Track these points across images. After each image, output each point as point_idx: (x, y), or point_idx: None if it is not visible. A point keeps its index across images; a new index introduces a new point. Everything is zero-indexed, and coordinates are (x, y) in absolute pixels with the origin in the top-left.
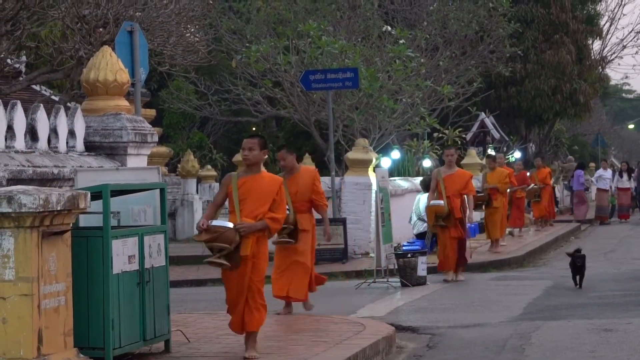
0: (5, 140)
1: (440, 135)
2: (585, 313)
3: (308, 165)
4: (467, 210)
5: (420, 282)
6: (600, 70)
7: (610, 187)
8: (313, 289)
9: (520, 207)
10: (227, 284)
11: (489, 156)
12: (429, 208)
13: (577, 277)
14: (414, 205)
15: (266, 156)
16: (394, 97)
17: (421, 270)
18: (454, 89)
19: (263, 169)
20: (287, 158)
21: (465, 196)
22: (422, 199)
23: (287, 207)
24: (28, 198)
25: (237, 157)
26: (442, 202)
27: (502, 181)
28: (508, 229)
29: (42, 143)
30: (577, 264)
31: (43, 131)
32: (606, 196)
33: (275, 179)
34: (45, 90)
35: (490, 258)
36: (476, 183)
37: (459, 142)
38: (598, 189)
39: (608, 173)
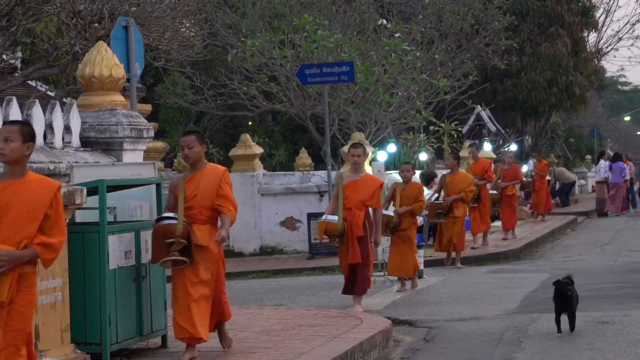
0: None
1: (437, 128)
2: (581, 305)
3: (304, 159)
4: (374, 226)
5: (418, 275)
6: (596, 62)
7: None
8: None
9: (512, 205)
10: None
11: (453, 155)
12: (320, 223)
13: (566, 316)
14: None
15: (205, 149)
16: (390, 91)
17: (418, 264)
18: (450, 82)
19: (206, 161)
20: (194, 147)
21: (371, 209)
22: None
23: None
24: None
25: (234, 152)
26: (335, 218)
27: (466, 189)
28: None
29: (38, 139)
30: (567, 293)
31: (39, 127)
32: (604, 188)
33: (220, 169)
34: (40, 86)
35: (487, 251)
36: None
37: (455, 135)
38: (597, 182)
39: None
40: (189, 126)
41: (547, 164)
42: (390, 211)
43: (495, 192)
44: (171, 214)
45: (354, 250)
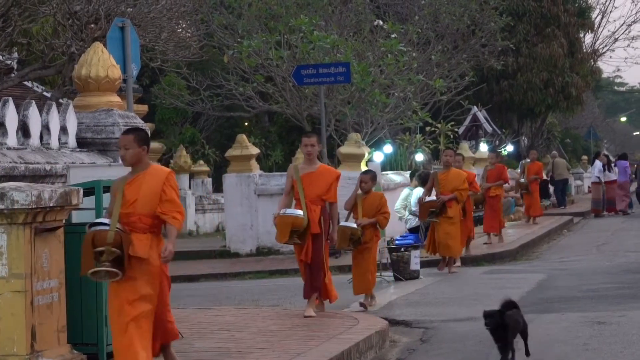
0: None
1: (433, 129)
2: (578, 306)
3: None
4: (331, 224)
5: (414, 276)
6: (592, 63)
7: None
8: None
9: (495, 207)
10: None
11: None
12: (280, 218)
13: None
14: (404, 200)
15: (146, 151)
16: (386, 92)
17: (414, 264)
18: (446, 82)
19: (152, 162)
20: (130, 148)
21: (328, 204)
22: (414, 193)
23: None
24: (20, 195)
25: (230, 152)
26: (300, 212)
27: (459, 187)
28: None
29: (34, 139)
30: (496, 324)
31: (35, 128)
32: (600, 189)
33: (164, 172)
34: (37, 87)
35: (484, 252)
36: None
37: (452, 136)
38: (593, 182)
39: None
40: (185, 127)
41: (541, 165)
42: (352, 222)
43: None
44: (106, 220)
45: (307, 248)
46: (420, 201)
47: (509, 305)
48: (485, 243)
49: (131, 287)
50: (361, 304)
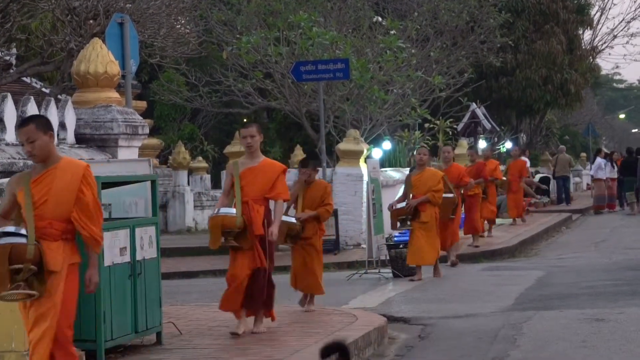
0: None
1: (432, 125)
2: (577, 303)
3: (299, 156)
4: (273, 225)
5: (412, 272)
6: (591, 60)
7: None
8: None
9: (474, 207)
10: None
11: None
12: (210, 219)
13: None
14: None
15: (54, 140)
16: (385, 88)
17: None
18: (445, 79)
19: (61, 154)
20: (35, 139)
21: (274, 202)
22: None
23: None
24: None
25: (229, 149)
26: (233, 210)
27: (433, 187)
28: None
29: None
30: None
31: None
32: (604, 185)
33: (80, 166)
34: (35, 83)
35: (482, 249)
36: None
37: (450, 133)
38: (596, 179)
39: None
40: (184, 123)
41: (524, 163)
42: (290, 216)
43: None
44: (22, 230)
45: (258, 252)
46: (389, 208)
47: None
48: (470, 245)
49: (37, 305)
50: (305, 310)
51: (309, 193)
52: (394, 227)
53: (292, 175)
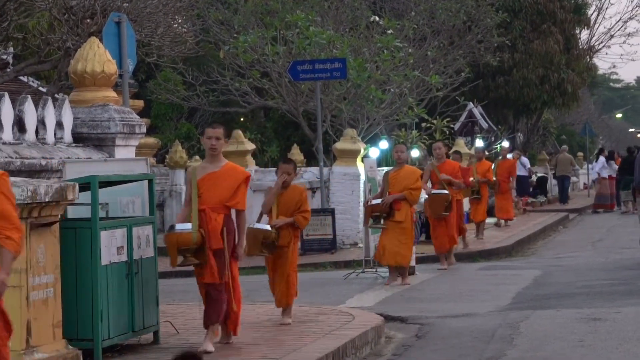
0: None
1: (429, 125)
2: (574, 302)
3: (296, 155)
4: (237, 235)
5: (409, 272)
6: (588, 59)
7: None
8: None
9: (457, 211)
10: None
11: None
12: (165, 237)
13: None
14: None
15: None
16: (382, 88)
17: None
18: (442, 79)
19: None
20: None
21: (235, 213)
22: None
23: None
24: (16, 190)
25: (225, 148)
26: (189, 226)
27: (410, 186)
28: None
29: (30, 134)
30: None
31: (31, 122)
32: (607, 184)
33: None
34: (32, 82)
35: (479, 248)
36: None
37: (447, 132)
38: (601, 178)
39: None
40: (181, 122)
41: (513, 162)
42: (264, 223)
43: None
44: None
45: (210, 267)
46: (365, 204)
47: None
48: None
49: None
50: (282, 324)
51: (284, 198)
52: (366, 223)
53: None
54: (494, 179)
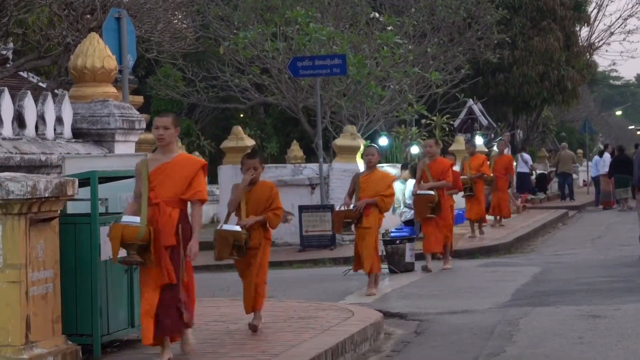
0: None
1: (428, 122)
2: (573, 299)
3: (296, 152)
4: (192, 239)
5: (408, 268)
6: (588, 56)
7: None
8: None
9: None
10: None
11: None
12: (113, 228)
13: None
14: (399, 192)
15: None
16: (382, 84)
17: (409, 257)
18: (442, 75)
19: None
20: None
21: (191, 205)
22: (408, 185)
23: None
24: (16, 185)
25: (225, 144)
26: (136, 219)
27: (382, 191)
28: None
29: (30, 130)
30: None
31: (30, 118)
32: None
33: None
34: (32, 77)
35: (478, 244)
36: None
37: (447, 129)
38: (603, 175)
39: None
40: (180, 118)
41: (511, 158)
42: (233, 224)
43: (431, 192)
44: None
45: (163, 266)
46: (335, 212)
47: None
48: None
49: None
50: (250, 326)
51: (253, 196)
52: (338, 231)
53: (288, 171)
54: (491, 174)
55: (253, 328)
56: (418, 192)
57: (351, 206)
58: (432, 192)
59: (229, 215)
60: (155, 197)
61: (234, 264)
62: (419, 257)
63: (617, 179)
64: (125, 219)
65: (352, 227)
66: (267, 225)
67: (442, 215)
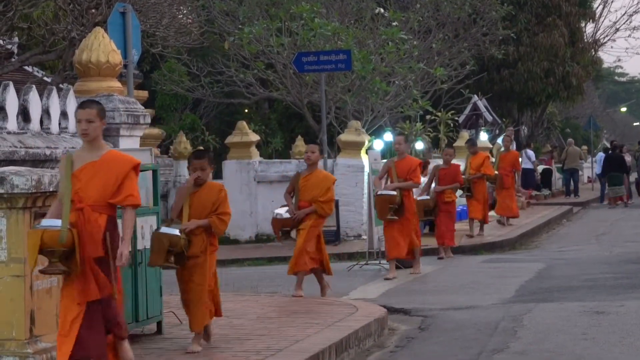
0: None
1: (433, 117)
2: (577, 296)
3: (300, 147)
4: (122, 243)
5: (411, 265)
6: (593, 53)
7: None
8: None
9: (452, 215)
10: None
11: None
12: (30, 234)
13: None
14: None
15: None
16: (387, 80)
17: None
18: (447, 71)
19: None
20: None
21: (122, 209)
22: None
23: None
24: (20, 179)
25: (230, 139)
26: (59, 223)
27: (319, 197)
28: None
29: (35, 124)
30: None
31: (35, 112)
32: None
33: None
34: (37, 72)
35: (482, 241)
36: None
37: (452, 125)
38: None
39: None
40: (185, 113)
41: (517, 154)
42: (172, 228)
43: (427, 197)
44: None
45: (89, 279)
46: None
47: None
48: (439, 257)
49: None
50: (189, 351)
51: (197, 198)
52: (278, 239)
53: (292, 166)
54: (495, 172)
55: (190, 351)
56: (379, 192)
57: (285, 213)
58: (394, 193)
59: (171, 221)
60: (80, 200)
61: (177, 274)
62: (424, 252)
63: (610, 177)
64: (45, 222)
65: (292, 235)
66: (211, 231)
67: (405, 217)
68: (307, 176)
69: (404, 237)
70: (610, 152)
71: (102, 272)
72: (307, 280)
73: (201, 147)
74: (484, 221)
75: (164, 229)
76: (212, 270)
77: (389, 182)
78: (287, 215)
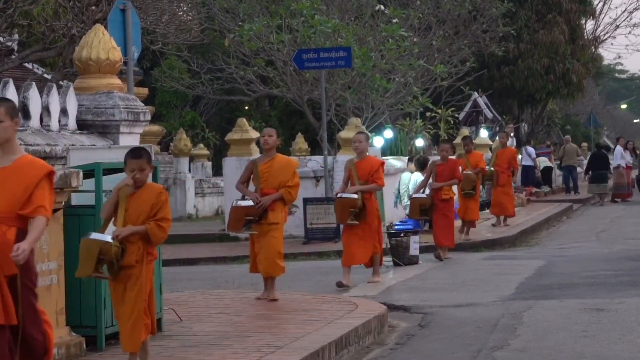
0: None
1: (433, 114)
2: (577, 293)
3: (301, 144)
4: (25, 240)
5: (413, 261)
6: (593, 50)
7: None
8: None
9: (448, 215)
10: None
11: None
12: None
13: None
14: (404, 185)
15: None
16: (387, 77)
17: (413, 250)
18: (447, 68)
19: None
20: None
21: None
22: (412, 178)
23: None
24: None
25: (230, 136)
26: None
27: (287, 182)
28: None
29: (34, 121)
30: None
31: (35, 109)
32: (625, 173)
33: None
34: (37, 69)
35: (482, 237)
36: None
37: (452, 122)
38: (615, 167)
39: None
40: (185, 110)
41: (514, 151)
42: (106, 234)
43: (423, 195)
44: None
45: (1, 302)
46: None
47: None
48: (437, 257)
49: None
50: None
51: (135, 202)
52: (237, 229)
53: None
54: (492, 169)
55: None
56: (339, 195)
57: (248, 202)
58: (354, 196)
59: (105, 225)
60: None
61: (110, 286)
62: (423, 250)
63: (595, 175)
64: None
65: (252, 227)
66: (149, 239)
67: (366, 221)
68: (268, 162)
69: (365, 242)
70: (595, 150)
71: (14, 295)
72: (307, 278)
73: (140, 145)
74: (472, 223)
75: (94, 235)
76: (149, 282)
77: (349, 185)
78: (250, 203)
